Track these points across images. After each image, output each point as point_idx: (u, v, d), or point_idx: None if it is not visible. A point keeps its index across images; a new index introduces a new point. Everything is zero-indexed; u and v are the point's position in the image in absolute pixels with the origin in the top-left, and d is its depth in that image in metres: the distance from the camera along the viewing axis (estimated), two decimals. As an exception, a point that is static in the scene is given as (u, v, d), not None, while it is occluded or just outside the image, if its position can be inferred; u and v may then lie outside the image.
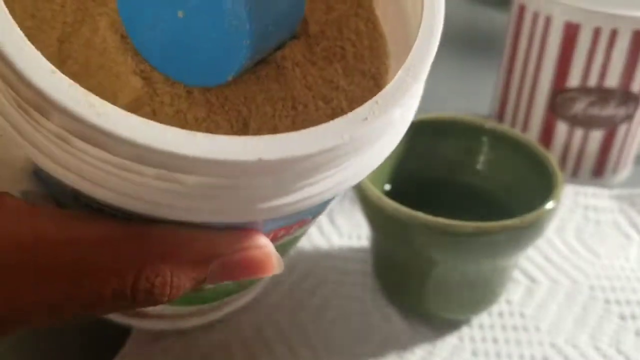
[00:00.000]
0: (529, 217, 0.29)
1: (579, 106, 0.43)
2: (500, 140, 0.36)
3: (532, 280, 0.37)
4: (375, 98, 0.18)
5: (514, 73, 0.46)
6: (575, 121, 0.44)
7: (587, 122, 0.44)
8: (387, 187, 0.36)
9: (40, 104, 0.16)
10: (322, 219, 0.40)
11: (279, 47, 0.21)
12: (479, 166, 0.37)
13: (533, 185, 0.33)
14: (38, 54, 0.16)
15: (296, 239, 0.25)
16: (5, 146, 0.20)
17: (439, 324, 0.34)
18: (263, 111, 0.20)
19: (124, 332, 0.32)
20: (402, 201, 0.30)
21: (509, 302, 0.35)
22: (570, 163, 0.46)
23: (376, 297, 0.35)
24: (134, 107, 0.19)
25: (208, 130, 0.19)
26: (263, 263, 0.20)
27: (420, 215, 0.29)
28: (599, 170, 0.46)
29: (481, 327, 0.34)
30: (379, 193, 0.30)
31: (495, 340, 0.33)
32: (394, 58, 0.22)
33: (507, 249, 0.30)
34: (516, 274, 0.37)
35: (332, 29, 0.22)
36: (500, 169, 0.36)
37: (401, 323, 0.34)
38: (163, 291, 0.18)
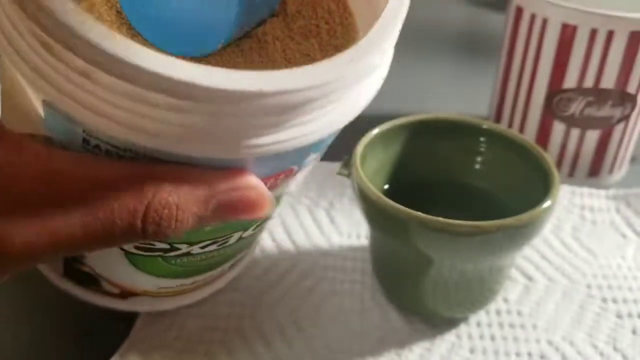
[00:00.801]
0: (525, 216, 0.29)
1: (576, 107, 0.44)
2: (498, 141, 0.36)
3: (529, 279, 0.37)
4: (357, 45, 0.21)
5: (511, 74, 0.47)
6: (571, 122, 0.44)
7: (584, 123, 0.44)
8: (386, 186, 0.36)
9: (69, 39, 0.18)
10: (322, 218, 0.41)
11: (260, 24, 0.23)
12: (477, 166, 0.37)
13: (530, 185, 0.33)
14: None
15: (280, 197, 0.27)
16: (17, 95, 0.21)
17: (437, 322, 0.34)
18: None
19: (124, 333, 0.32)
20: (401, 200, 0.30)
21: (506, 300, 0.36)
22: (567, 163, 0.46)
23: (375, 296, 0.35)
24: None
25: None
26: (257, 202, 0.22)
27: (419, 214, 0.29)
28: (595, 170, 0.46)
29: (479, 325, 0.34)
30: (378, 192, 0.30)
31: (492, 338, 0.33)
32: (363, 33, 0.24)
33: (504, 248, 0.30)
34: (513, 273, 0.37)
35: (308, 9, 0.24)
36: (497, 168, 0.36)
37: (400, 321, 0.34)
38: (169, 224, 0.20)
